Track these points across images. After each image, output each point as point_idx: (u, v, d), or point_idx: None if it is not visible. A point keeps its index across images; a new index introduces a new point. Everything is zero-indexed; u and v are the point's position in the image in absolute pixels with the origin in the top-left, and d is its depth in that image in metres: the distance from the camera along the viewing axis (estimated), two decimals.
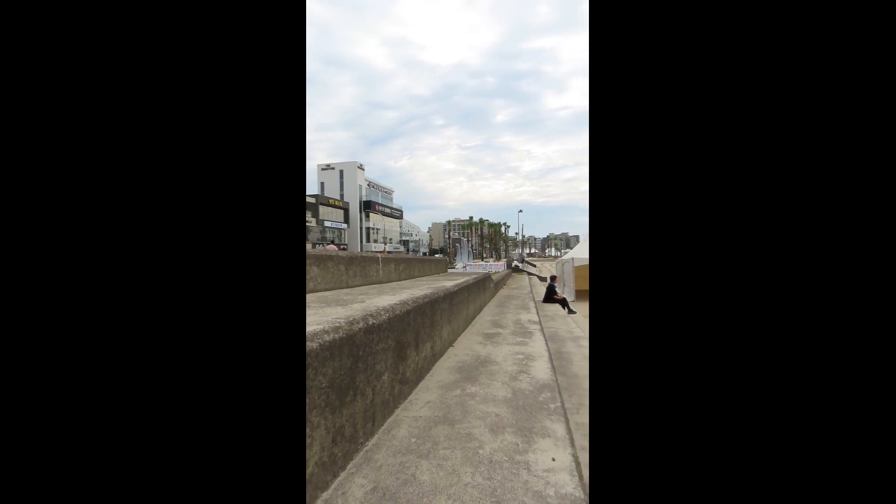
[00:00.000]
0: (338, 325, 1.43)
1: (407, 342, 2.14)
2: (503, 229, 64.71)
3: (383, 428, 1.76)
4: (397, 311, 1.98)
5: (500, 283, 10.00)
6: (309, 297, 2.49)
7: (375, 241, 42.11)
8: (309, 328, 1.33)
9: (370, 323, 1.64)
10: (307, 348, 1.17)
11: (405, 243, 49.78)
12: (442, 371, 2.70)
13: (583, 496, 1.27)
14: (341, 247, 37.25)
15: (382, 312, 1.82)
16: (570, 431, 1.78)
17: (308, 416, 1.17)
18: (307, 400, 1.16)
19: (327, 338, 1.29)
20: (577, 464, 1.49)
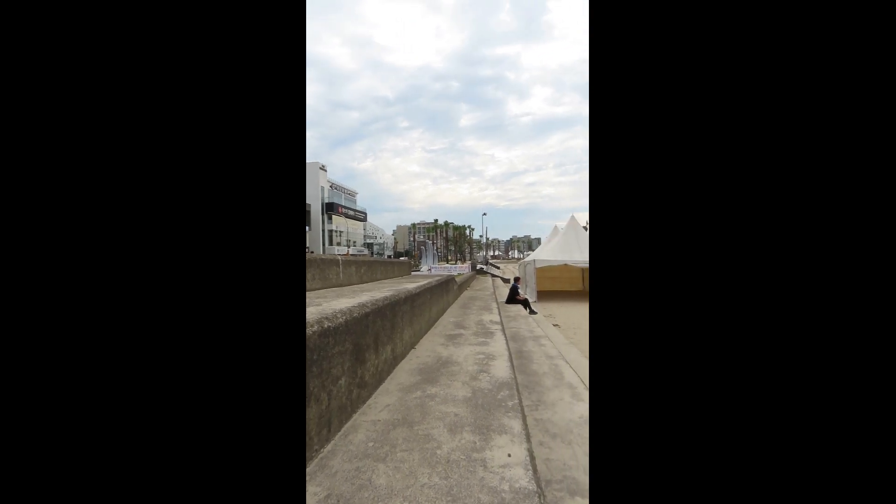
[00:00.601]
0: None
1: (365, 345, 2.11)
2: (468, 232, 65.46)
3: (340, 433, 1.72)
4: (355, 314, 1.95)
5: (464, 284, 10.10)
6: None
7: (339, 243, 41.08)
8: None
9: (325, 326, 1.60)
10: None
11: (369, 246, 48.96)
12: (403, 373, 2.68)
13: (535, 489, 1.30)
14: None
15: (339, 315, 1.78)
16: (526, 427, 1.82)
17: None
18: None
19: None
20: (532, 458, 1.53)
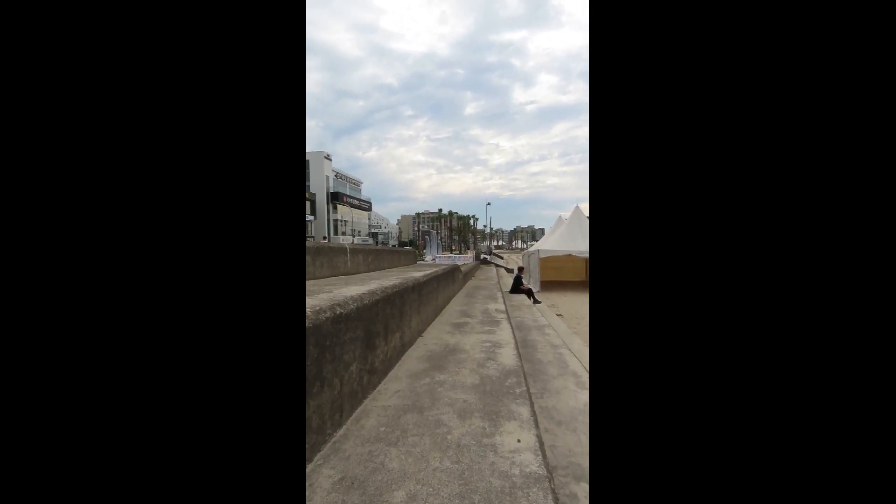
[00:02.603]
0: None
1: (376, 332, 2.13)
2: (472, 222, 65.25)
3: (352, 418, 1.75)
4: (366, 301, 1.96)
5: (469, 274, 10.12)
6: None
7: (344, 233, 41.16)
8: None
9: (337, 312, 1.61)
10: None
11: (374, 236, 49.03)
12: (411, 360, 2.71)
13: (545, 474, 1.33)
14: (308, 239, 36.10)
15: (350, 302, 1.79)
16: (534, 414, 1.84)
17: None
18: None
19: None
20: (541, 444, 1.55)
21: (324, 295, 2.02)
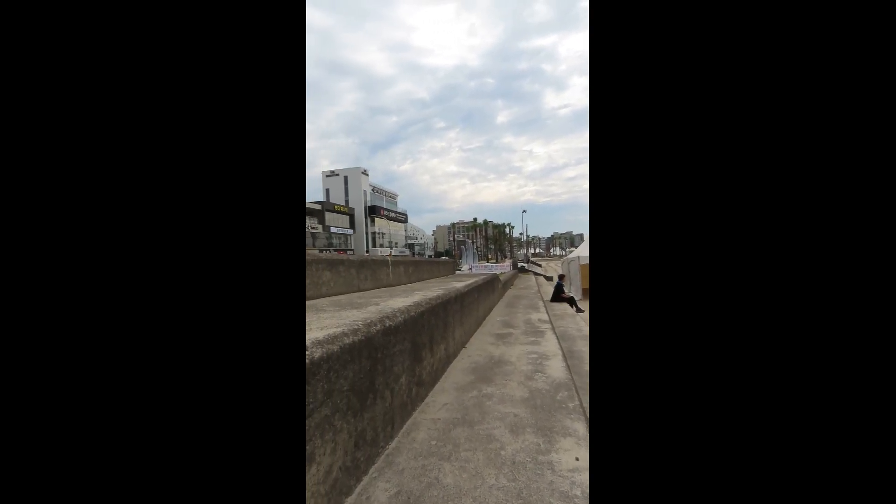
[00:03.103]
0: (356, 327, 1.42)
1: (422, 343, 2.13)
2: (507, 230, 64.58)
3: (402, 430, 1.75)
4: (412, 313, 1.97)
5: (508, 283, 9.97)
6: (323, 300, 2.49)
7: (381, 245, 42.20)
8: (328, 331, 1.33)
9: (387, 325, 1.63)
10: (328, 352, 1.16)
11: (410, 247, 49.82)
12: (456, 372, 2.69)
13: None
14: (348, 252, 37.34)
15: (398, 314, 1.81)
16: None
17: (331, 420, 1.16)
18: (329, 404, 1.15)
19: (347, 340, 1.29)
20: None
21: (371, 307, 2.05)
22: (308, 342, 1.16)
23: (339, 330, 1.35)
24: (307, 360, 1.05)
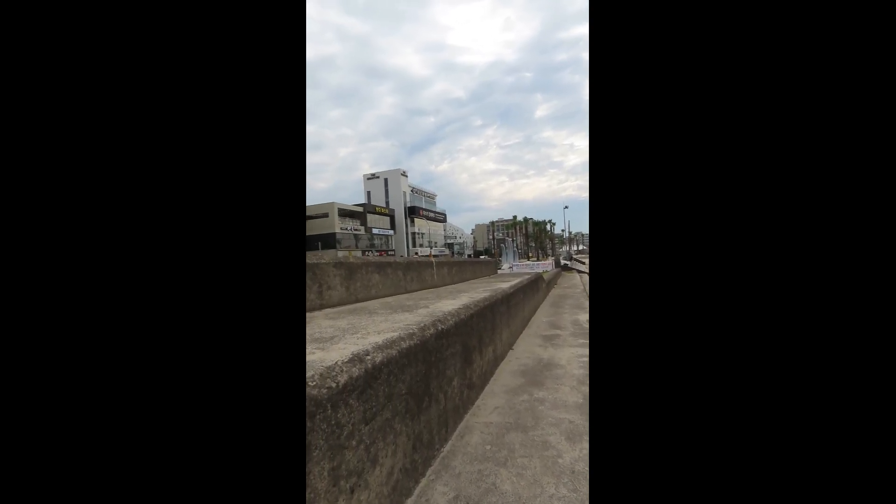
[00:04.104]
0: (411, 331, 1.44)
1: (472, 346, 2.13)
2: (549, 227, 62.96)
3: (455, 434, 1.75)
4: (462, 316, 1.97)
5: (552, 282, 9.71)
6: (374, 303, 2.56)
7: (420, 245, 42.81)
8: (385, 335, 1.36)
9: (440, 328, 1.64)
10: (388, 356, 1.18)
11: (450, 246, 50.10)
12: (505, 375, 2.66)
13: None
14: (389, 253, 38.25)
15: (449, 317, 1.82)
16: None
17: (392, 422, 1.19)
18: (389, 407, 1.18)
19: (404, 345, 1.31)
20: None
21: (422, 310, 2.08)
22: (369, 347, 1.19)
23: (396, 334, 1.37)
24: (370, 365, 1.08)
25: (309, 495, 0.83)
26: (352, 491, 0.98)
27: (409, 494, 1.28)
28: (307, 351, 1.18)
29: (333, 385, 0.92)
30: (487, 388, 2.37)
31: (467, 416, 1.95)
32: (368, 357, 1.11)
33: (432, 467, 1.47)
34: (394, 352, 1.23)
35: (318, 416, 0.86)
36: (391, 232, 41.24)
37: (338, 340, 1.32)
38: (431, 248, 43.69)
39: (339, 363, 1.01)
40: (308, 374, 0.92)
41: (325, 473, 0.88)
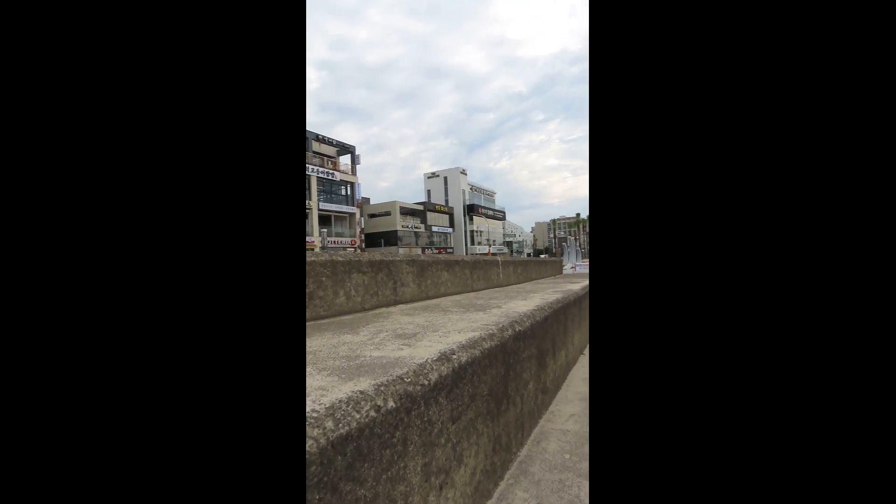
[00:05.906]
0: (491, 332, 1.42)
1: (546, 349, 2.06)
2: None
3: (531, 439, 1.71)
4: (537, 318, 1.92)
5: None
6: (445, 300, 2.59)
7: (479, 243, 42.74)
8: (466, 335, 1.36)
9: (517, 330, 1.61)
10: (471, 356, 1.18)
11: (508, 244, 49.34)
12: (577, 381, 2.54)
13: None
14: (447, 250, 38.75)
15: (525, 319, 1.77)
16: None
17: (475, 423, 1.19)
18: (473, 407, 1.17)
19: (486, 345, 1.30)
20: None
21: (495, 310, 2.06)
22: (454, 346, 1.20)
23: (478, 334, 1.37)
24: (456, 365, 1.08)
25: (404, 489, 0.86)
26: (440, 488, 0.99)
27: (489, 496, 1.27)
28: (394, 346, 1.22)
29: (426, 382, 0.94)
30: (560, 394, 2.29)
31: (542, 422, 1.89)
32: (455, 356, 1.11)
33: (510, 471, 1.44)
34: (477, 352, 1.22)
35: (413, 413, 0.88)
36: (450, 230, 41.68)
37: (421, 337, 1.35)
38: (490, 246, 43.42)
39: (429, 361, 1.03)
40: (402, 370, 0.94)
41: (419, 468, 0.90)
